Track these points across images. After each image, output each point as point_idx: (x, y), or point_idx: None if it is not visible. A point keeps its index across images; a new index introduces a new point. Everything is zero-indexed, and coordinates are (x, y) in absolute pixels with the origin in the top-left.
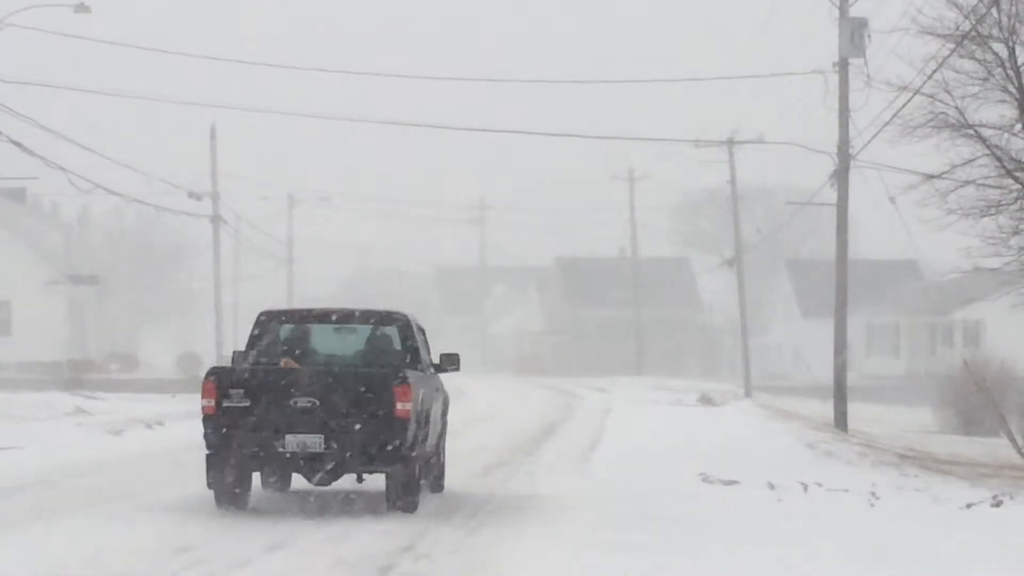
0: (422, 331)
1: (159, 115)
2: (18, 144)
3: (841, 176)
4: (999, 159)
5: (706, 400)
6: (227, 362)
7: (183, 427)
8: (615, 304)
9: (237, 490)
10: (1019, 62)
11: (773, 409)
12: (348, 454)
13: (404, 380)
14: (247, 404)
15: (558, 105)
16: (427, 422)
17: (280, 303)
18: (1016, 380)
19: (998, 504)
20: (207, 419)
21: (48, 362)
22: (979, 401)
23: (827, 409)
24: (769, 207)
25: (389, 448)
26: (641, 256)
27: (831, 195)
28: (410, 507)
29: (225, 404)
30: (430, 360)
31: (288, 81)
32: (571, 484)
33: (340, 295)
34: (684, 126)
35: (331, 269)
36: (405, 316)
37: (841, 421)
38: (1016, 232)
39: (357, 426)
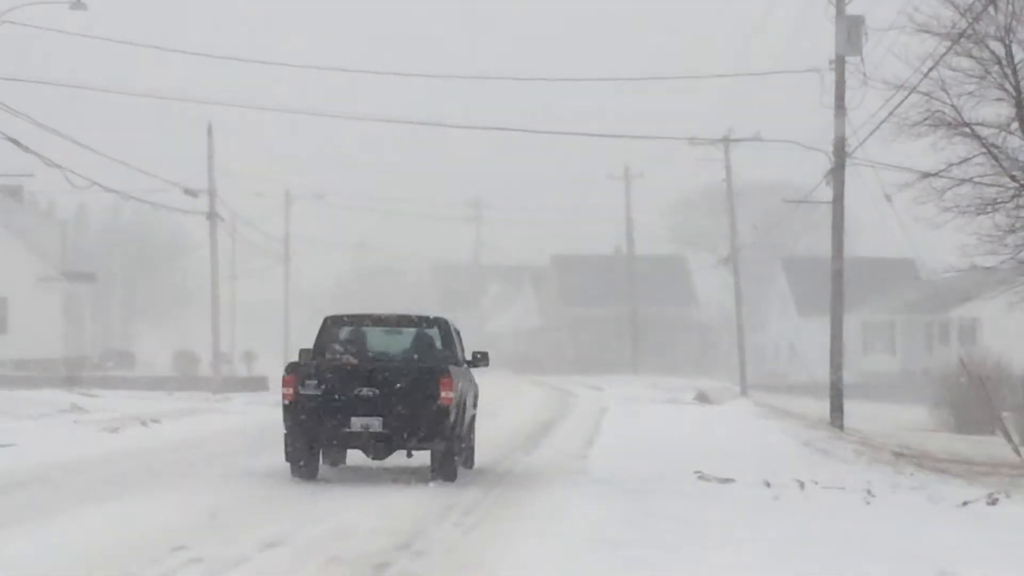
0: (458, 333)
1: (156, 112)
2: (15, 141)
3: (837, 174)
4: (995, 157)
5: (702, 398)
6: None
7: (179, 424)
8: (611, 302)
9: (309, 463)
10: (1016, 60)
11: (769, 407)
12: (402, 433)
13: (447, 373)
14: (319, 393)
15: (554, 103)
16: (463, 408)
17: (278, 301)
18: (1012, 378)
19: (994, 502)
20: (287, 405)
21: (44, 359)
22: (975, 399)
23: (823, 407)
24: (765, 205)
25: (435, 429)
26: (637, 254)
27: (827, 193)
28: (450, 476)
29: (302, 392)
30: (464, 357)
31: (284, 78)
32: (567, 482)
33: (336, 292)
34: (680, 124)
35: (328, 266)
36: (445, 320)
37: (837, 419)
38: (1012, 230)
39: (409, 411)
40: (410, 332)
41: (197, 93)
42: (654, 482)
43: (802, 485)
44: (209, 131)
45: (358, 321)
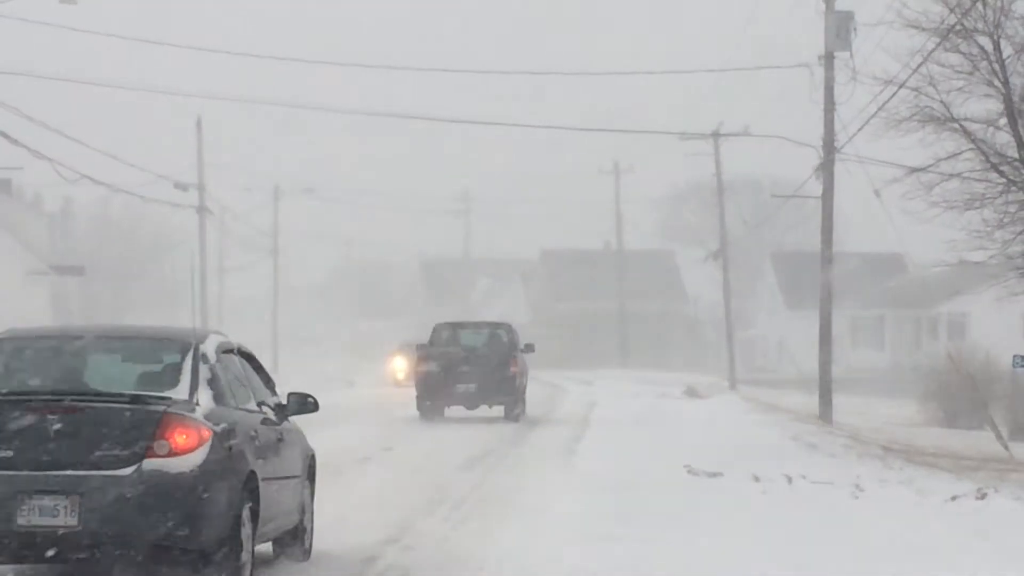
0: (516, 331)
1: (145, 106)
2: (4, 134)
3: (826, 169)
4: (984, 153)
5: (691, 393)
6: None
7: None
8: (600, 296)
9: (432, 410)
10: (1004, 56)
11: (758, 402)
12: (487, 392)
13: (515, 356)
14: (438, 369)
15: (544, 97)
16: (523, 378)
17: (267, 295)
18: (1000, 373)
19: (982, 497)
20: (418, 378)
21: None
22: (964, 394)
23: (812, 401)
24: (754, 200)
25: (507, 389)
26: (626, 248)
27: (816, 188)
28: (516, 419)
29: (427, 369)
30: (520, 346)
31: (274, 73)
32: (556, 476)
33: (327, 286)
34: (670, 119)
35: (316, 260)
36: (508, 324)
37: (826, 414)
38: (1000, 225)
39: (492, 379)
40: (487, 331)
41: (187, 87)
42: (642, 476)
43: (790, 479)
44: (198, 125)
45: (455, 326)
